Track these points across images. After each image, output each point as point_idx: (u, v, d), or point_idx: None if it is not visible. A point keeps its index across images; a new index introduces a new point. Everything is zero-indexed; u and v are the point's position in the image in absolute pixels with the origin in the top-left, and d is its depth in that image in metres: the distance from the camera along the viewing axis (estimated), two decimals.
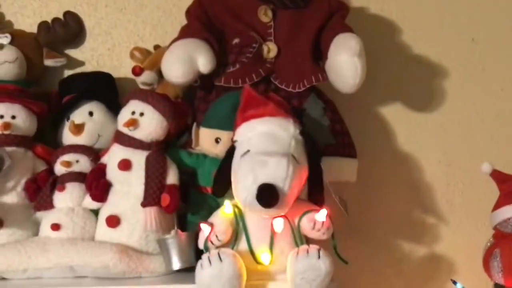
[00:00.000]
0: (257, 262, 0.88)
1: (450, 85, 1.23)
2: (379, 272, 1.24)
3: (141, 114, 0.98)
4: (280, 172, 0.83)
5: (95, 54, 1.17)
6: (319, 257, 0.84)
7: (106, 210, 0.97)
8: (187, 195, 1.02)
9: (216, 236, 0.88)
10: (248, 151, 0.87)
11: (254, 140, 0.88)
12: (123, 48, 1.17)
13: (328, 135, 1.02)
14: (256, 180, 0.83)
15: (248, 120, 0.90)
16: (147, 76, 1.09)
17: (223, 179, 0.91)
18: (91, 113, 1.06)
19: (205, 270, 0.84)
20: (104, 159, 1.01)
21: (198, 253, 0.93)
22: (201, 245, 0.89)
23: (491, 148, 1.23)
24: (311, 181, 0.90)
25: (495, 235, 1.00)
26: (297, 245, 0.89)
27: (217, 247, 0.88)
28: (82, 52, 1.17)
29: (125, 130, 0.99)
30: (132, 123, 0.97)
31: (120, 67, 1.16)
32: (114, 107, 1.06)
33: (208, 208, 0.99)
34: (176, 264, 0.93)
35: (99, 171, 0.99)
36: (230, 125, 0.95)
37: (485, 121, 1.23)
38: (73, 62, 1.16)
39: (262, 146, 0.87)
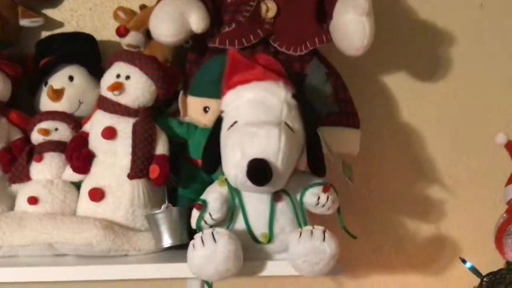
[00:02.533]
0: (255, 241, 0.81)
1: (456, 53, 1.16)
2: (379, 250, 1.18)
3: (127, 78, 0.90)
4: (272, 145, 0.76)
5: (75, 14, 1.08)
6: (324, 239, 0.77)
7: (89, 182, 0.89)
8: (178, 167, 0.94)
9: (210, 215, 0.80)
10: (236, 122, 0.80)
11: (241, 109, 0.80)
12: (105, 8, 1.08)
13: (331, 103, 0.95)
14: (245, 156, 0.76)
15: (234, 88, 0.82)
16: (133, 38, 1.01)
17: (212, 154, 0.83)
18: (71, 78, 0.97)
19: (197, 251, 0.77)
20: (86, 127, 0.93)
21: (190, 230, 0.86)
22: (193, 225, 0.82)
23: (499, 120, 1.16)
24: (309, 150, 0.82)
25: (508, 210, 0.94)
26: (299, 223, 0.82)
27: (211, 226, 0.81)
28: (61, 12, 1.08)
29: (109, 95, 0.90)
30: (117, 87, 0.89)
31: (102, 28, 1.08)
32: (96, 71, 0.97)
33: (201, 182, 0.92)
34: (167, 241, 0.86)
35: (81, 140, 0.91)
36: (219, 93, 0.87)
37: (492, 91, 1.17)
38: (51, 23, 1.07)
39: (251, 116, 0.79)
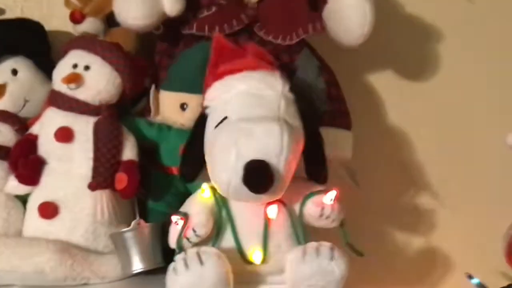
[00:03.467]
0: (246, 262, 0.68)
1: (445, 50, 1.07)
2: (366, 266, 1.06)
3: (86, 68, 0.76)
4: (272, 144, 0.63)
5: (19, 0, 0.94)
6: (332, 257, 0.65)
7: (39, 195, 0.74)
8: (146, 176, 0.79)
9: (194, 231, 0.67)
10: (225, 118, 0.67)
11: (231, 103, 0.68)
12: None
13: (324, 100, 0.83)
14: (241, 157, 0.63)
15: (221, 78, 0.70)
16: (90, 25, 0.87)
17: (193, 158, 0.70)
18: (14, 71, 0.84)
19: (180, 276, 0.63)
20: (35, 129, 0.78)
21: (166, 251, 0.72)
22: (173, 244, 0.68)
23: (491, 119, 1.08)
24: (309, 152, 0.70)
25: None
26: (297, 239, 0.70)
27: (194, 245, 0.67)
28: None
29: (63, 89, 0.76)
30: (74, 79, 0.74)
31: (51, 16, 0.93)
32: (45, 64, 0.84)
33: (175, 193, 0.79)
34: (137, 265, 0.72)
35: (28, 144, 0.76)
36: (200, 87, 0.75)
37: (483, 90, 1.08)
38: None
39: (244, 111, 0.67)
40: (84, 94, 0.75)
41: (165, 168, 0.79)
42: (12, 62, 0.83)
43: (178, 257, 0.64)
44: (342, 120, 0.87)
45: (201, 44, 0.78)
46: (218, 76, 0.69)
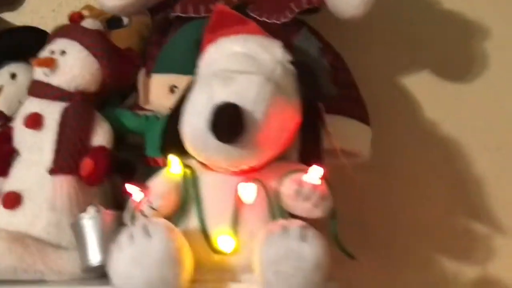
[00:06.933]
0: (213, 250, 0.57)
1: (492, 44, 0.93)
2: None
3: (62, 53, 0.72)
4: (251, 90, 0.55)
5: (36, 17, 0.94)
6: (302, 238, 0.52)
7: (6, 186, 0.70)
8: (133, 175, 0.72)
9: (149, 203, 0.57)
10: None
11: (220, 60, 0.60)
12: (70, 9, 0.91)
13: (329, 83, 0.73)
14: (212, 99, 0.54)
15: (215, 41, 0.63)
16: (88, 25, 0.83)
17: (172, 129, 0.62)
18: (13, 75, 0.82)
19: (124, 251, 0.54)
20: (13, 122, 0.74)
21: None
22: (126, 218, 0.59)
23: None
24: (303, 130, 0.61)
25: None
26: None
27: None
28: (20, 15, 0.94)
29: (39, 75, 0.72)
30: (48, 63, 0.70)
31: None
32: None
33: None
34: (96, 257, 0.63)
35: (3, 135, 0.72)
36: (191, 67, 0.68)
37: None
38: (9, 27, 0.92)
39: (229, 65, 0.59)
40: (58, 79, 0.70)
41: (150, 160, 0.72)
42: (13, 67, 0.81)
43: (125, 231, 0.55)
44: (354, 110, 0.76)
45: (191, 23, 0.72)
46: (212, 40, 0.62)
